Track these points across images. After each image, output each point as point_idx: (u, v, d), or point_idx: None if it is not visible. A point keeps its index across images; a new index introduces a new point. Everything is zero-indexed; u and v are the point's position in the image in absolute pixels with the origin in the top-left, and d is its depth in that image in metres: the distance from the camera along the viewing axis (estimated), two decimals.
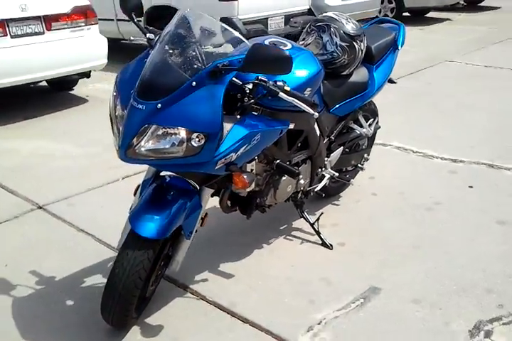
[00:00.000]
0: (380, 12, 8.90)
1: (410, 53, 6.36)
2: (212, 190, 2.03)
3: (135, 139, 1.71)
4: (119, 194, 3.15)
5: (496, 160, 3.55)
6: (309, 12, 6.69)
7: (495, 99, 4.93)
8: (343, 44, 2.36)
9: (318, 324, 2.09)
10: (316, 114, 1.89)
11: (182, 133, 1.68)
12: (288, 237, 2.73)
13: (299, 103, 1.83)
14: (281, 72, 1.68)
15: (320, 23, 2.41)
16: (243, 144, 1.81)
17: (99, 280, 2.40)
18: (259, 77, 1.76)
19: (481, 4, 11.24)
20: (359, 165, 2.98)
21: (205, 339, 2.04)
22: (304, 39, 2.46)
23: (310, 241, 2.68)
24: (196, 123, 1.68)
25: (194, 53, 1.76)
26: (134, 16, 1.98)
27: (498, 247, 2.58)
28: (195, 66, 1.73)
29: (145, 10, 6.26)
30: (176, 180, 1.99)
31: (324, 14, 2.49)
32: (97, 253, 2.59)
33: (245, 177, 1.87)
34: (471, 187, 3.20)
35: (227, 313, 2.17)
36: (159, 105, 1.67)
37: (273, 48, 1.68)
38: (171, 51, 1.78)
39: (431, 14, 10.14)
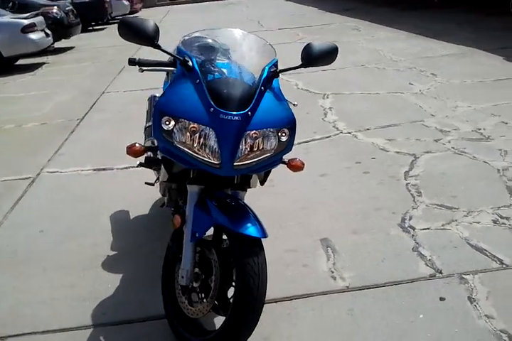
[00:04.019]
0: None
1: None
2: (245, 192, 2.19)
3: (239, 149, 1.83)
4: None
5: None
6: None
7: None
8: None
9: (332, 272, 2.57)
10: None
11: (273, 132, 1.89)
12: None
13: None
14: (332, 62, 2.07)
15: (197, 44, 2.69)
16: None
17: None
18: None
19: (58, 46, 11.95)
20: None
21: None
22: None
23: None
24: (279, 121, 1.92)
25: (242, 63, 1.97)
26: (159, 44, 1.94)
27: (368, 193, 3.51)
28: (252, 73, 1.95)
29: None
30: (220, 193, 2.09)
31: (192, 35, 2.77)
32: None
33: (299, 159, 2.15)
34: None
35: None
36: (249, 113, 1.84)
37: (323, 43, 2.04)
38: (225, 66, 1.94)
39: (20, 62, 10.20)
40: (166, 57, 2.25)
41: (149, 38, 1.92)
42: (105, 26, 16.97)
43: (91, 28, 16.04)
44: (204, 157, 1.86)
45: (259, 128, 1.87)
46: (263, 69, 1.95)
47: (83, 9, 14.49)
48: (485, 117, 4.52)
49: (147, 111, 3.38)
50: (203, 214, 1.97)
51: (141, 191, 3.70)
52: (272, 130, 1.90)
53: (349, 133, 4.50)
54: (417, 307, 2.25)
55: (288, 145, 1.97)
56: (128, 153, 2.06)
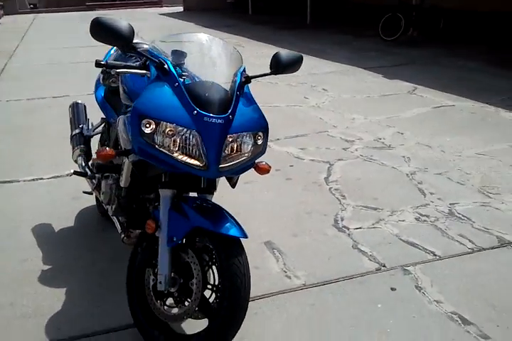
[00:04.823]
0: None
1: None
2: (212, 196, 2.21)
3: (223, 152, 1.86)
4: None
5: None
6: None
7: None
8: None
9: (285, 272, 2.67)
10: None
11: (251, 135, 1.94)
12: None
13: None
14: (297, 70, 2.18)
15: (138, 50, 2.63)
16: None
17: None
18: None
19: None
20: None
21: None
22: None
23: None
24: (255, 125, 1.97)
25: (214, 68, 1.99)
26: (134, 46, 1.90)
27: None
28: (227, 78, 1.97)
29: None
30: (192, 197, 2.11)
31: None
32: None
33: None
34: None
35: None
36: (230, 116, 1.87)
37: (290, 53, 2.14)
38: (201, 70, 1.96)
39: None
40: None
41: (124, 38, 1.88)
42: None
43: None
44: (189, 159, 1.86)
45: (238, 131, 1.91)
46: (235, 75, 1.99)
47: None
48: (382, 128, 4.95)
49: (70, 119, 3.26)
50: (179, 218, 1.97)
51: (57, 204, 3.54)
52: (249, 133, 1.95)
53: None
54: (373, 299, 2.43)
55: (263, 148, 2.03)
56: (98, 157, 1.99)
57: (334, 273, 2.63)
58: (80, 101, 3.32)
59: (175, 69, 1.94)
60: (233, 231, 1.92)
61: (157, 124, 1.84)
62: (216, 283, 2.04)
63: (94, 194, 2.97)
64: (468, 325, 2.25)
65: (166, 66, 1.92)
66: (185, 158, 1.86)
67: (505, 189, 3.57)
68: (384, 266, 2.69)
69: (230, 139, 1.89)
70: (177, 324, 2.22)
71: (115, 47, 3.02)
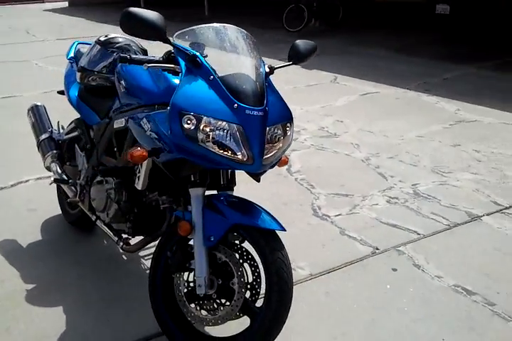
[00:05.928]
0: None
1: None
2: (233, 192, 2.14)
3: (265, 144, 1.83)
4: None
5: None
6: None
7: None
8: None
9: None
10: None
11: (282, 126, 1.92)
12: None
13: None
14: (311, 58, 2.18)
15: (117, 45, 2.48)
16: None
17: None
18: None
19: None
20: None
21: None
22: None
23: None
24: (284, 115, 1.95)
25: (239, 58, 1.93)
26: (168, 38, 1.81)
27: None
28: (254, 69, 1.90)
29: None
30: (220, 194, 2.06)
31: (109, 36, 2.53)
32: None
33: None
34: None
35: None
36: (267, 108, 1.84)
37: (306, 42, 2.14)
38: (225, 61, 1.90)
39: None
40: None
41: (159, 30, 1.79)
42: None
43: None
44: (232, 154, 1.81)
45: (274, 123, 1.89)
46: (259, 65, 1.94)
47: None
48: (321, 118, 5.10)
49: (33, 124, 3.03)
50: (215, 217, 1.93)
51: (14, 217, 3.29)
52: (279, 125, 1.92)
53: None
54: (380, 281, 2.54)
55: (291, 139, 2.02)
56: (131, 159, 1.88)
57: (335, 261, 2.71)
58: (39, 103, 3.09)
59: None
60: (274, 225, 1.91)
61: (198, 120, 1.78)
62: (250, 280, 2.02)
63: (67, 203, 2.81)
64: (473, 294, 2.44)
65: (198, 59, 1.85)
66: (229, 152, 1.81)
67: (455, 168, 3.85)
68: (377, 248, 2.81)
69: (272, 129, 1.87)
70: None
71: (77, 43, 2.88)
